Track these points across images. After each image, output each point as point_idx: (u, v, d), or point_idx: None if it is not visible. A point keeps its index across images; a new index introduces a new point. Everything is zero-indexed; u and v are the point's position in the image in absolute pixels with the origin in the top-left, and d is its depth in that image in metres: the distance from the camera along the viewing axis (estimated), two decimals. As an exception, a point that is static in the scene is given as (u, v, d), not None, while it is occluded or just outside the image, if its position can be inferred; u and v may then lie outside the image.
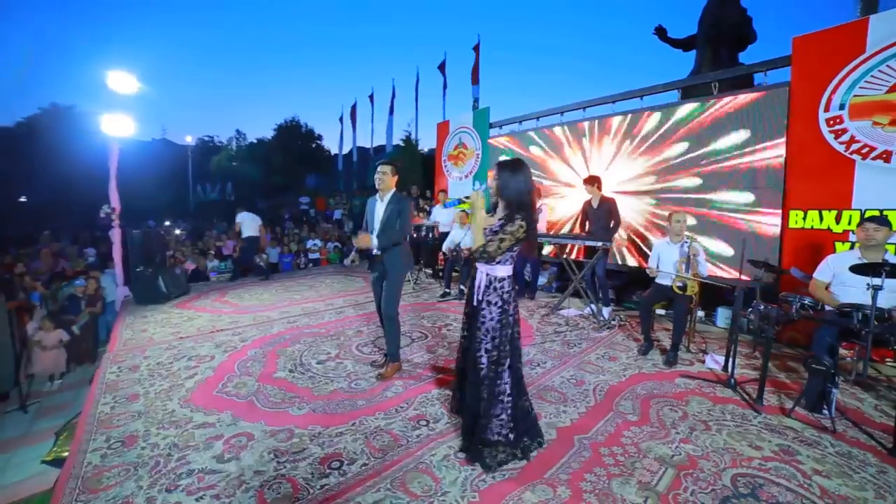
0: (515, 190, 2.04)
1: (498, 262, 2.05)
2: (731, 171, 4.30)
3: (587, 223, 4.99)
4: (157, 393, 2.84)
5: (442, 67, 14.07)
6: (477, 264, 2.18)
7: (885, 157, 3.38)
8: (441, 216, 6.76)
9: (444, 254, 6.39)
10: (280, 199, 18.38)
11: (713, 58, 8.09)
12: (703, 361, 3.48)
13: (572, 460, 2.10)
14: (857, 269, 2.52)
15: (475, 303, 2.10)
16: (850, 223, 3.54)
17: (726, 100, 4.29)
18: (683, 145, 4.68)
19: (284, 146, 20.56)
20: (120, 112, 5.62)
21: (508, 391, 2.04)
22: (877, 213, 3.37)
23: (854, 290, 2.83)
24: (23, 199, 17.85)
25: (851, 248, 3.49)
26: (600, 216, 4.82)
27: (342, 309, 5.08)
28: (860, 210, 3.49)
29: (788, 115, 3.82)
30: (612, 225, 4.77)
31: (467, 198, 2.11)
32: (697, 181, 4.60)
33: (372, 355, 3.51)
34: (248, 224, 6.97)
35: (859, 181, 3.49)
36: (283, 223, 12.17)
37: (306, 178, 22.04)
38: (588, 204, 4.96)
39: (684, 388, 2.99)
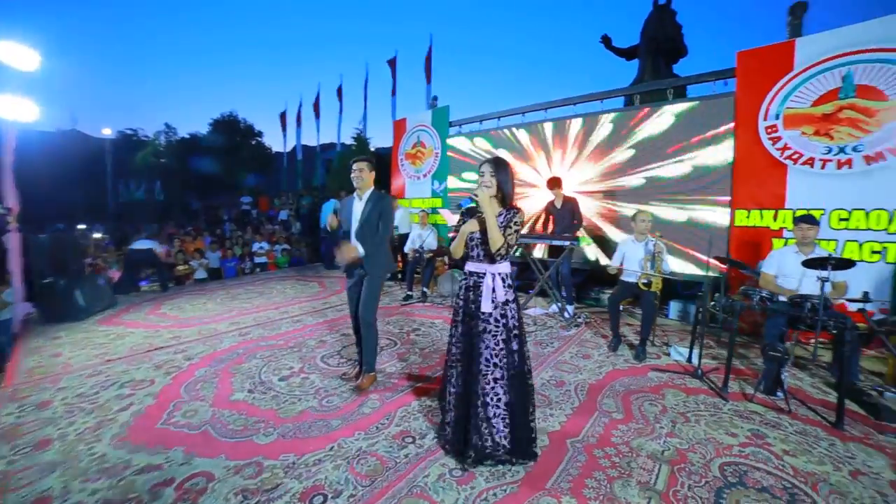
0: (510, 185, 2.05)
1: (503, 260, 2.03)
2: (687, 174, 4.56)
3: (550, 223, 5.07)
4: (78, 434, 2.32)
5: (392, 64, 13.76)
6: (472, 268, 2.08)
7: (810, 163, 3.76)
8: (398, 219, 6.55)
9: (405, 255, 6.20)
10: (217, 199, 16.93)
11: (653, 68, 8.70)
12: (668, 354, 3.63)
13: (570, 466, 2.04)
14: (809, 263, 2.74)
15: (490, 308, 1.99)
16: (784, 221, 3.89)
17: (681, 106, 4.54)
18: (644, 147, 4.88)
19: (221, 142, 18.98)
20: (16, 94, 4.73)
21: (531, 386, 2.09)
22: (805, 213, 3.74)
23: (793, 281, 3.11)
24: None
25: (785, 244, 3.83)
26: (564, 216, 4.91)
27: (299, 317, 4.70)
28: (792, 210, 3.85)
29: (735, 122, 4.12)
30: (575, 224, 4.89)
31: (475, 196, 1.99)
32: (654, 182, 4.83)
33: (339, 367, 3.24)
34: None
35: (791, 184, 3.85)
36: (223, 225, 11.19)
37: (246, 177, 20.55)
38: (551, 204, 5.04)
39: (658, 381, 3.08)
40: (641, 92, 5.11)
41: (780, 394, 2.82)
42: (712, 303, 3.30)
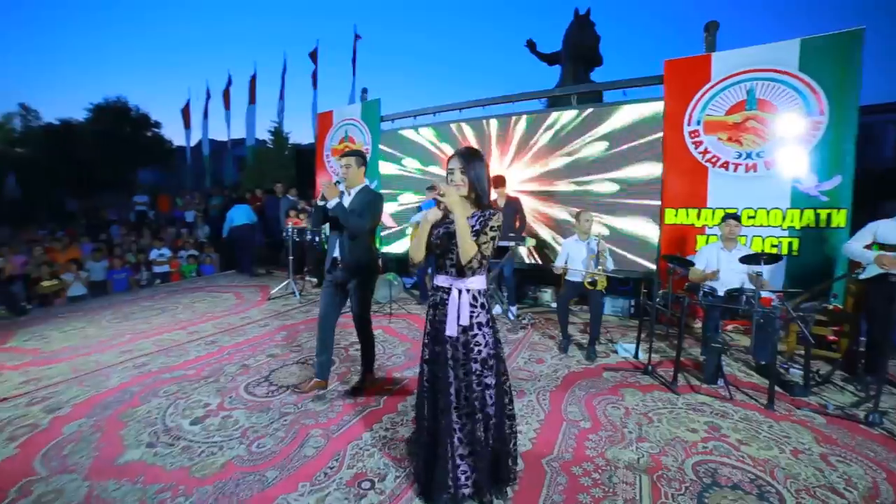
0: (485, 181, 1.70)
1: (476, 273, 1.65)
2: (628, 175, 4.73)
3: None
4: None
5: (314, 56, 12.82)
6: (438, 281, 1.74)
7: (725, 166, 4.11)
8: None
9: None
10: (103, 199, 14.25)
11: (574, 74, 9.15)
12: (616, 352, 3.69)
13: (552, 493, 1.84)
14: (745, 259, 2.92)
15: (456, 332, 1.64)
16: (706, 219, 4.21)
17: (626, 108, 4.69)
18: (587, 148, 4.95)
19: (107, 132, 16.03)
20: None
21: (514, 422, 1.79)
22: (723, 211, 4.09)
23: (721, 273, 3.32)
24: None
25: (707, 241, 4.13)
26: (507, 215, 4.81)
27: (213, 338, 3.95)
28: (712, 209, 4.17)
29: (664, 126, 4.36)
30: (518, 224, 4.82)
31: (440, 197, 1.60)
32: (596, 184, 4.94)
33: (269, 397, 2.71)
34: None
35: (711, 185, 4.17)
36: (110, 228, 9.38)
37: (140, 174, 17.73)
38: (495, 203, 4.93)
39: (613, 381, 3.07)
40: (580, 94, 5.23)
41: (721, 382, 2.97)
42: (657, 299, 3.41)
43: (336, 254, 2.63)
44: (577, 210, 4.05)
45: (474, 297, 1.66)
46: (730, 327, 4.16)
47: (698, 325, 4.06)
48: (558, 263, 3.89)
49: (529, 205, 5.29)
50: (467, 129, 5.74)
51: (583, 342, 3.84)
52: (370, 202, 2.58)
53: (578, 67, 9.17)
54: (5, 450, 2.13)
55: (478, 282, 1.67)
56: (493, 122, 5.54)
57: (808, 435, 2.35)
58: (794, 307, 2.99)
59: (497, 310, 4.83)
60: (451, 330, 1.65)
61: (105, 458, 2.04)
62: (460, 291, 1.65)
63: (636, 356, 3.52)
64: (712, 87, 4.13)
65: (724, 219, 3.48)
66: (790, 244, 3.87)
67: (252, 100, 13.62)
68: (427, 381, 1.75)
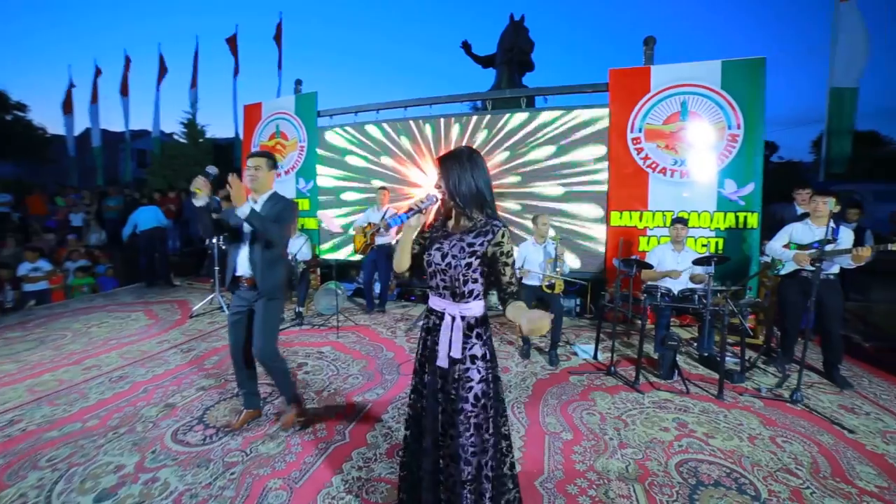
0: (466, 185, 1.38)
1: (474, 297, 1.40)
2: (576, 179, 4.84)
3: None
4: None
5: (233, 42, 11.55)
6: (432, 303, 1.47)
7: (664, 171, 4.42)
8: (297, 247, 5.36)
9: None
10: None
11: (509, 78, 9.38)
12: (576, 354, 3.74)
13: (555, 519, 1.72)
14: (699, 261, 3.11)
15: (446, 363, 1.38)
16: (647, 221, 4.48)
17: (577, 113, 4.78)
18: (543, 151, 4.97)
19: None
20: None
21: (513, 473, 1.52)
22: (663, 214, 4.39)
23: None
24: None
25: (651, 241, 4.41)
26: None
27: (122, 371, 3.24)
28: (652, 211, 4.46)
29: (609, 132, 4.55)
30: None
31: (430, 205, 1.35)
32: (546, 188, 4.99)
33: (206, 444, 2.24)
34: None
35: (652, 189, 4.45)
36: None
37: (-1, 168, 14.58)
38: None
39: (581, 385, 3.08)
40: (525, 96, 5.27)
41: (676, 377, 3.14)
42: (611, 299, 3.52)
43: (242, 271, 2.24)
44: (534, 214, 4.04)
45: (469, 326, 1.39)
46: (674, 322, 4.49)
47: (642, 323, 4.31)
48: (516, 266, 3.85)
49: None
50: (415, 127, 5.50)
51: (542, 346, 3.84)
52: (282, 210, 2.22)
53: (513, 71, 9.42)
54: None
55: (476, 308, 1.40)
56: (441, 122, 5.37)
57: (755, 419, 2.59)
58: (734, 303, 3.26)
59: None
60: (440, 360, 1.40)
61: None
62: (454, 318, 1.39)
63: (595, 357, 3.60)
64: (652, 97, 4.40)
65: (673, 222, 3.71)
66: (717, 244, 4.26)
67: (158, 87, 11.90)
68: (412, 411, 1.52)
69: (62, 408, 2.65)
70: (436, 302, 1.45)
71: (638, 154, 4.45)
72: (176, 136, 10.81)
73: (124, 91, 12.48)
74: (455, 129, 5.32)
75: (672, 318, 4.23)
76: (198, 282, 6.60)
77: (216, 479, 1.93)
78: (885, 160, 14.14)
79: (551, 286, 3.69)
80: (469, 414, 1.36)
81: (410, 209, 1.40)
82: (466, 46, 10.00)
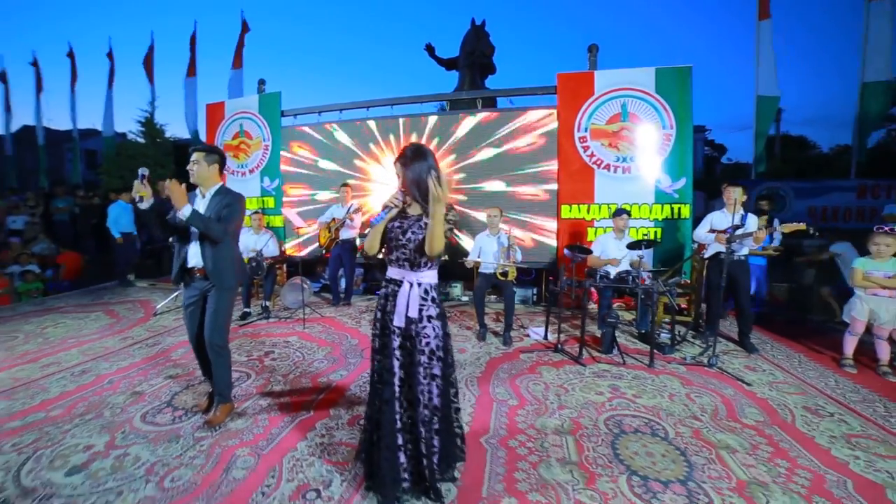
0: (424, 179, 1.65)
1: (429, 267, 1.71)
2: (530, 175, 5.17)
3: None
4: None
5: (192, 40, 11.24)
6: (391, 273, 1.75)
7: (608, 167, 4.83)
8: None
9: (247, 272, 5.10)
10: None
11: (471, 80, 9.70)
12: (528, 335, 4.06)
13: (496, 465, 1.99)
14: (631, 245, 3.49)
15: (403, 322, 1.66)
16: (594, 214, 4.88)
17: (530, 114, 5.10)
18: (497, 149, 5.26)
19: None
20: None
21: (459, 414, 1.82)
22: (608, 206, 4.79)
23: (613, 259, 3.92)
24: None
25: (600, 232, 4.80)
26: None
27: (84, 367, 3.25)
28: (599, 204, 4.86)
29: (558, 132, 4.92)
30: None
31: (402, 202, 1.58)
32: (502, 184, 5.29)
33: (176, 424, 2.36)
34: None
35: (598, 183, 4.86)
36: None
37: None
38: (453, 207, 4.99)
39: (530, 361, 3.38)
40: (473, 98, 5.57)
41: (615, 351, 3.51)
42: (560, 285, 3.86)
43: (194, 262, 2.29)
44: (488, 208, 4.34)
45: (426, 291, 1.69)
46: (615, 305, 4.90)
47: (593, 306, 4.69)
48: (471, 257, 4.12)
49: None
50: (375, 126, 5.67)
51: (498, 330, 4.12)
52: (229, 204, 2.30)
53: (475, 74, 9.75)
54: None
55: (430, 276, 1.71)
56: (401, 121, 5.57)
57: (677, 382, 2.99)
58: (663, 283, 3.67)
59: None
60: (398, 321, 1.67)
61: None
62: (412, 284, 1.67)
63: (545, 338, 3.93)
64: (596, 99, 4.81)
65: (617, 213, 4.09)
66: (656, 233, 4.71)
67: (110, 83, 11.41)
68: (375, 371, 1.75)
69: (21, 401, 2.67)
70: (394, 272, 1.73)
71: (584, 152, 4.84)
72: (132, 136, 10.38)
73: (73, 85, 11.90)
74: (415, 129, 5.54)
75: (615, 300, 4.67)
76: (160, 282, 6.49)
77: (187, 451, 2.08)
78: (812, 161, 15.65)
79: (504, 273, 3.99)
80: (425, 365, 1.66)
81: (387, 207, 1.66)
82: (430, 49, 10.23)
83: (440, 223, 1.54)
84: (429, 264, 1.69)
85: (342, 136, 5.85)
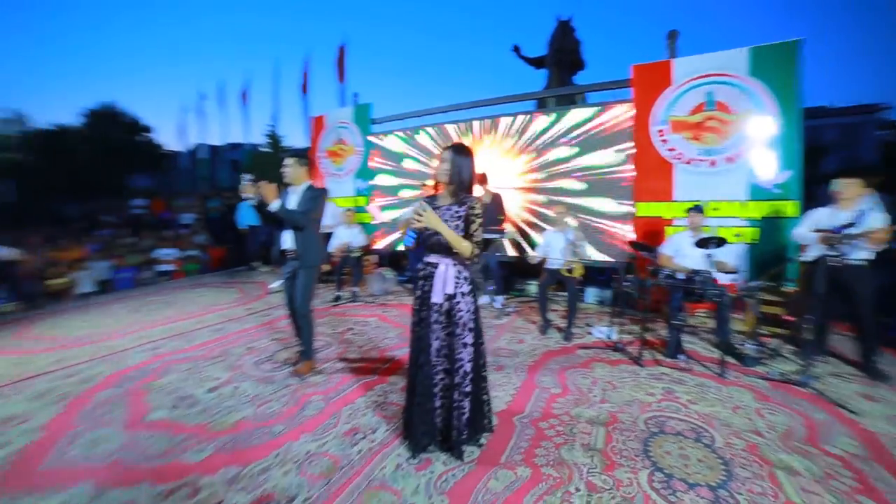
0: (466, 174, 1.99)
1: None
2: (610, 179, 5.03)
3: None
4: None
5: (306, 62, 13.10)
6: (429, 258, 2.05)
7: (689, 162, 4.46)
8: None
9: (331, 255, 5.95)
10: (99, 203, 14.47)
11: (559, 77, 9.53)
12: (591, 333, 4.02)
13: (520, 440, 2.16)
14: (700, 243, 3.26)
15: (441, 299, 1.96)
16: (673, 212, 4.55)
17: (613, 111, 4.95)
18: (570, 150, 5.26)
19: (100, 137, 16.26)
20: None
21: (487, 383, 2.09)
22: (689, 204, 4.42)
23: (689, 260, 3.65)
24: None
25: (674, 232, 4.47)
26: (491, 210, 5.14)
27: (219, 326, 4.24)
28: (678, 202, 4.51)
29: (633, 126, 4.71)
30: (500, 218, 5.16)
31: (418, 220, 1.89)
32: (579, 184, 5.25)
33: (274, 373, 3.01)
34: None
35: (677, 179, 4.52)
36: (106, 231, 9.60)
37: (133, 178, 17.91)
38: (481, 200, 5.25)
39: (586, 357, 3.39)
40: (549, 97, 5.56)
41: (681, 356, 3.31)
42: (626, 283, 3.75)
43: (287, 245, 2.88)
44: (556, 205, 4.38)
45: (459, 271, 1.99)
46: (700, 311, 4.51)
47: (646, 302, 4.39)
48: (538, 253, 4.22)
49: (514, 200, 5.60)
50: (453, 130, 6.04)
51: (563, 326, 4.15)
52: (313, 198, 2.84)
53: (563, 71, 9.55)
54: (50, 411, 2.49)
55: (462, 258, 1.99)
56: (476, 123, 5.84)
57: (749, 395, 2.70)
58: (742, 287, 3.33)
59: (484, 300, 5.15)
60: (436, 297, 1.97)
61: (135, 416, 2.37)
62: (447, 266, 1.97)
63: (609, 337, 3.85)
64: (676, 89, 4.48)
65: (688, 211, 3.82)
66: (752, 233, 4.21)
67: (244, 102, 13.89)
68: (414, 341, 2.07)
69: (184, 342, 3.70)
70: (431, 257, 2.04)
71: (663, 146, 4.54)
72: (261, 148, 12.62)
73: (242, 104, 14.68)
74: (491, 130, 5.76)
75: (696, 306, 4.30)
76: (277, 268, 7.86)
77: (277, 392, 2.68)
78: None
79: (570, 270, 4.01)
80: (459, 335, 1.96)
81: (412, 227, 1.95)
82: (517, 50, 10.33)
83: (442, 228, 1.87)
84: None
85: (423, 139, 6.36)
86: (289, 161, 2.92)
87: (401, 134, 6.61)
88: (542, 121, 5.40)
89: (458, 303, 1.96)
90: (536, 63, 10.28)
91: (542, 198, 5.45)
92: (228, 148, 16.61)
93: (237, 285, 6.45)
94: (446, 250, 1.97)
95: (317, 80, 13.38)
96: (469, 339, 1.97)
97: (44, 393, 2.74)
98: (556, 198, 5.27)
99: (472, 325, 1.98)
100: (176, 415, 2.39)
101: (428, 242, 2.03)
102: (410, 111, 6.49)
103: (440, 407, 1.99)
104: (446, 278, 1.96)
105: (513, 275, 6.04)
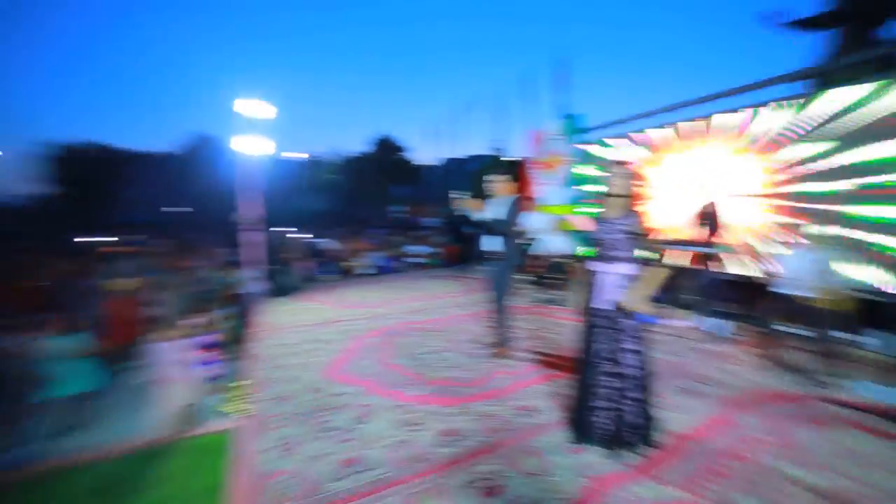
0: (629, 188, 2.17)
1: (620, 261, 2.14)
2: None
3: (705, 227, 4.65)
4: (300, 365, 3.53)
5: (535, 75, 14.03)
6: (593, 266, 2.26)
7: None
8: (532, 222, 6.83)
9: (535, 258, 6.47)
10: (371, 210, 20.32)
11: (854, 35, 6.78)
12: (851, 388, 3.00)
13: (687, 464, 2.06)
14: None
15: (601, 305, 2.16)
16: None
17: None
18: (824, 146, 4.05)
19: (377, 159, 22.70)
20: (255, 134, 6.42)
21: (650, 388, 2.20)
22: None
23: None
24: (189, 209, 22.83)
25: None
26: (709, 219, 4.48)
27: (446, 308, 5.50)
28: None
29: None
30: (710, 231, 4.45)
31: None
32: (839, 188, 3.94)
33: (478, 351, 3.75)
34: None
35: None
36: (378, 230, 13.37)
37: (393, 190, 23.95)
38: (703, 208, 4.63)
39: (833, 414, 2.60)
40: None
41: None
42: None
43: (486, 247, 3.44)
44: (811, 215, 3.45)
45: (616, 280, 2.14)
46: None
47: None
48: (785, 273, 3.44)
49: (746, 209, 4.59)
50: (694, 126, 5.44)
51: (808, 367, 3.26)
52: (510, 207, 3.34)
53: (862, 24, 6.73)
54: (345, 343, 4.10)
55: (624, 268, 2.14)
56: (708, 120, 5.05)
57: None
58: None
59: (705, 323, 4.47)
60: (597, 303, 2.17)
61: (385, 358, 3.62)
62: (606, 275, 2.16)
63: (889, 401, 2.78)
64: None
65: None
66: None
67: (483, 120, 16.05)
68: (582, 346, 2.31)
69: (419, 317, 5.06)
70: (595, 265, 2.26)
71: None
72: (489, 159, 14.47)
73: (464, 125, 17.46)
74: (719, 128, 4.90)
75: None
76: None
77: (475, 364, 3.43)
78: None
79: (821, 299, 3.14)
80: (626, 344, 2.15)
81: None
82: (769, 17, 7.85)
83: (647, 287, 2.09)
84: (622, 259, 2.13)
85: (626, 147, 6.02)
86: (493, 177, 3.56)
87: (609, 142, 6.48)
88: (784, 113, 4.20)
89: (620, 310, 2.11)
90: (812, 24, 7.56)
91: (785, 204, 4.27)
92: (469, 160, 19.73)
93: (461, 279, 7.89)
94: (606, 259, 2.15)
95: (540, 91, 14.14)
96: (629, 344, 2.10)
97: (344, 332, 4.44)
98: (805, 205, 4.06)
99: (634, 332, 2.10)
100: (407, 363, 3.48)
101: (597, 247, 2.23)
102: (620, 118, 6.29)
103: (601, 406, 2.15)
104: (606, 286, 2.14)
105: (753, 298, 4.95)
